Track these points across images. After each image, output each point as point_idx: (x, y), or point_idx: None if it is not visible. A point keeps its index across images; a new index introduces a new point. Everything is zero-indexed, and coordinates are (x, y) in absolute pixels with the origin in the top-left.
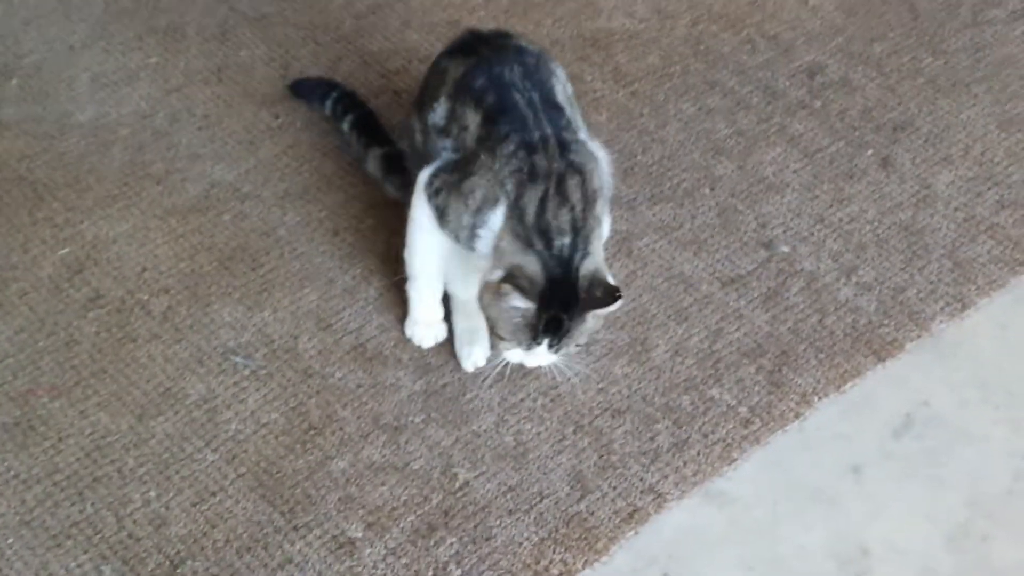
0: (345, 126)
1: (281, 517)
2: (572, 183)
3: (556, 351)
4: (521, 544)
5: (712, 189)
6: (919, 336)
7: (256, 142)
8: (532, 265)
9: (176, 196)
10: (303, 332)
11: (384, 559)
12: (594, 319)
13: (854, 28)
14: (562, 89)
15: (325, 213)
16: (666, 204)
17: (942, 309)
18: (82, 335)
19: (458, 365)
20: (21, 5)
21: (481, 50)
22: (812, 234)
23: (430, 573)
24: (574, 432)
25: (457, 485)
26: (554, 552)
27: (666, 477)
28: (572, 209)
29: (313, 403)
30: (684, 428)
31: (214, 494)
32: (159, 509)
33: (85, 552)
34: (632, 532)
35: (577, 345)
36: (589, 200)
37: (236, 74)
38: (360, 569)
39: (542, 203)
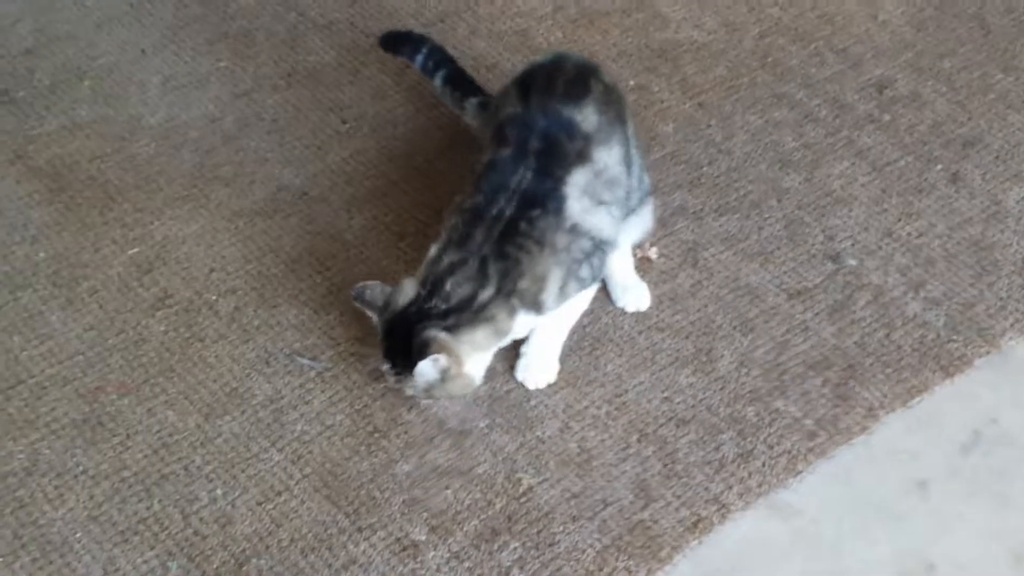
0: (438, 81)
1: (345, 518)
2: (505, 255)
3: (401, 384)
4: (584, 551)
5: (779, 201)
6: (988, 352)
7: (324, 147)
8: (405, 294)
9: (244, 199)
10: (369, 335)
11: (447, 562)
12: (422, 381)
13: (924, 43)
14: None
15: (391, 218)
16: (732, 215)
17: (1012, 325)
18: (150, 334)
19: None
20: (95, 8)
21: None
22: (880, 248)
23: None
24: (638, 440)
25: (521, 490)
26: (617, 560)
27: (730, 488)
28: (470, 289)
29: (378, 406)
30: (749, 439)
31: (279, 494)
32: (225, 507)
33: (152, 548)
34: (696, 542)
35: (432, 397)
36: (507, 286)
37: (304, 79)
38: (423, 572)
39: (452, 268)
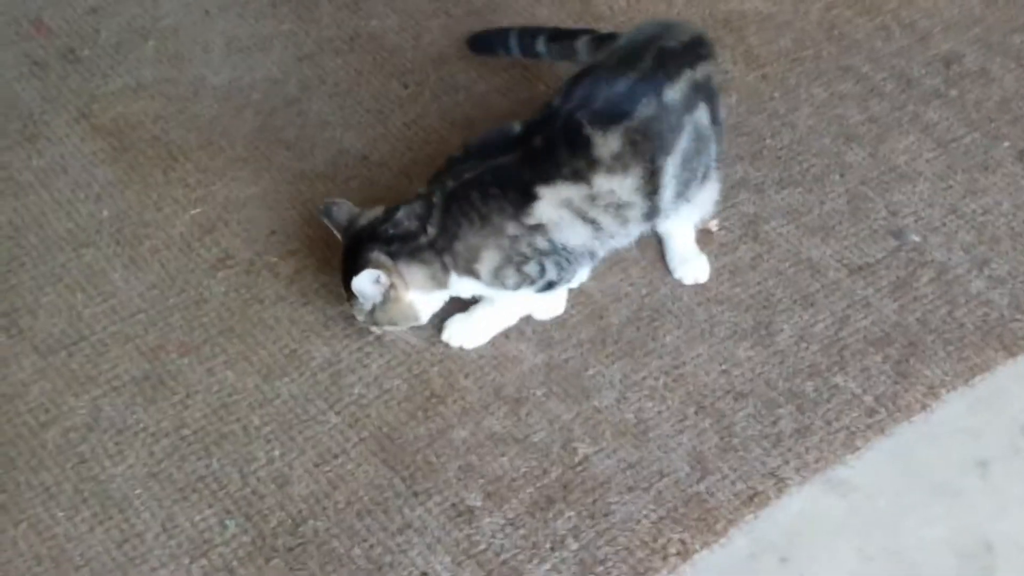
0: (541, 48)
1: (401, 482)
2: (448, 211)
3: (352, 308)
4: (639, 521)
5: (842, 175)
6: None
7: (385, 111)
8: (367, 216)
9: (305, 161)
10: None
11: (502, 529)
12: (363, 298)
13: (993, 18)
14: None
15: None
16: (795, 188)
17: None
18: (211, 294)
19: (580, 341)
20: None
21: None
22: (944, 224)
23: (548, 545)
24: (695, 413)
25: (577, 460)
26: (672, 531)
27: (787, 462)
28: (419, 224)
29: (435, 371)
30: (807, 414)
31: (336, 456)
32: (282, 468)
33: (210, 506)
34: (751, 515)
35: (377, 322)
36: (442, 242)
37: (367, 43)
38: (478, 538)
39: (420, 191)
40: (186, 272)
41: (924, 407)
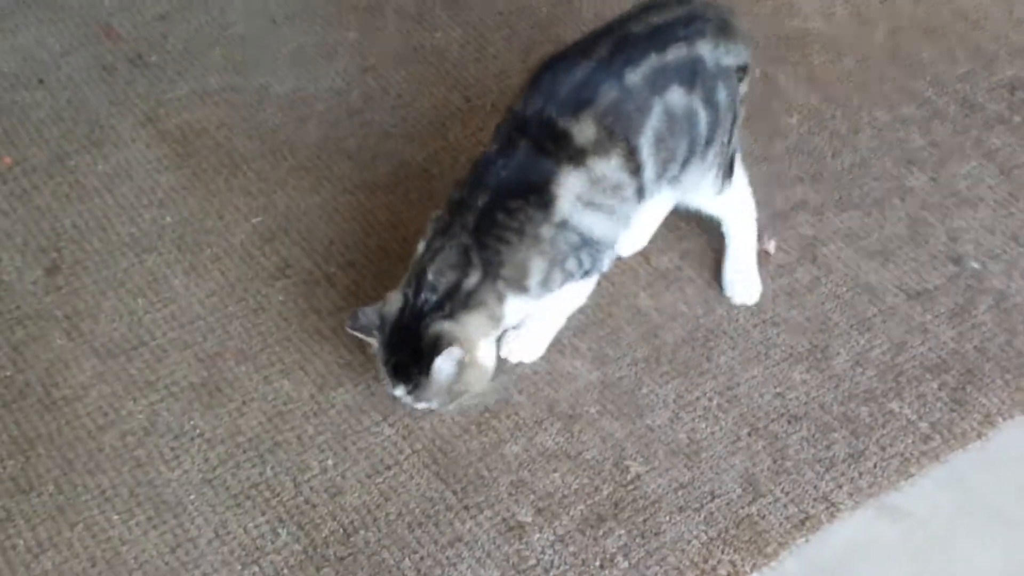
0: None
1: (453, 495)
2: (485, 245)
3: (416, 400)
4: (690, 542)
5: (903, 200)
6: None
7: (446, 123)
8: (394, 303)
9: (366, 172)
10: None
11: (552, 545)
12: (443, 378)
13: None
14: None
15: None
16: (854, 212)
17: None
18: (269, 303)
19: (635, 359)
20: None
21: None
22: (1004, 252)
23: (597, 563)
24: (749, 434)
25: (628, 478)
26: (723, 552)
27: (840, 487)
28: (460, 271)
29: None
30: (861, 439)
31: (389, 468)
32: (335, 478)
33: (263, 514)
34: (803, 539)
35: (451, 399)
36: (491, 273)
37: (430, 55)
38: (528, 553)
39: (434, 247)
40: (246, 280)
41: (980, 435)
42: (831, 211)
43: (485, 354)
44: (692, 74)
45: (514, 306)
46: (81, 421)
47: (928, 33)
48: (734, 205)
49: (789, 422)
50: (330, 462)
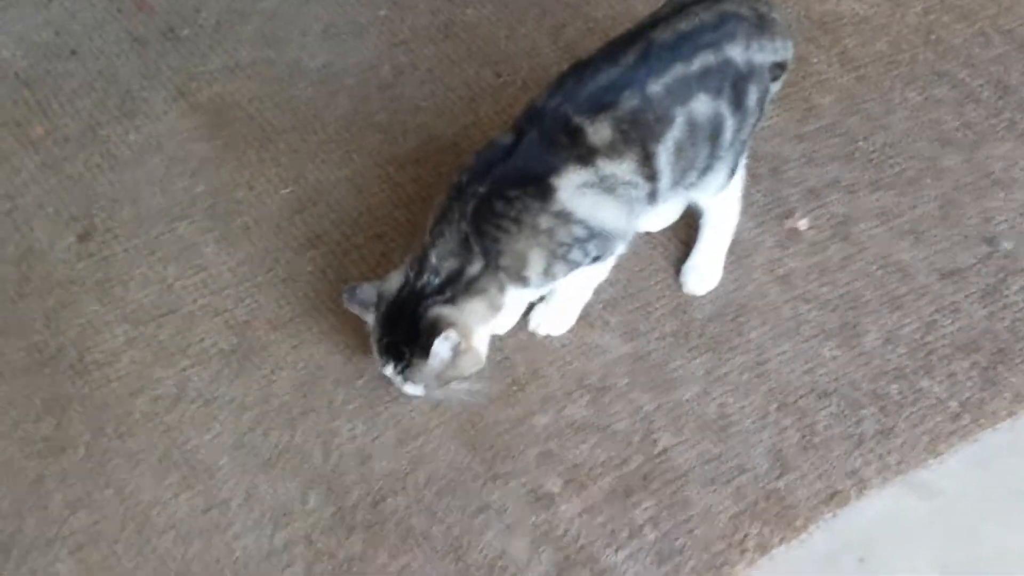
0: None
1: (481, 465)
2: (483, 233)
3: (405, 380)
4: (718, 515)
5: (935, 180)
6: None
7: (476, 99)
8: (394, 282)
9: (396, 146)
10: None
11: (580, 515)
12: (437, 362)
13: None
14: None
15: None
16: (887, 191)
17: None
18: (299, 273)
19: (665, 333)
20: None
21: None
22: None
23: (625, 534)
24: (778, 409)
25: (657, 451)
26: (750, 526)
27: (869, 464)
28: (462, 258)
29: (520, 358)
30: (891, 416)
31: (417, 436)
32: (365, 444)
33: (293, 478)
34: (831, 514)
35: (440, 384)
36: (491, 262)
37: (461, 31)
38: (556, 523)
39: (436, 232)
40: (276, 250)
41: (1010, 414)
42: (864, 190)
43: (481, 341)
44: (720, 79)
45: (515, 296)
46: (112, 386)
47: (961, 16)
48: (725, 201)
49: (819, 398)
50: (359, 429)
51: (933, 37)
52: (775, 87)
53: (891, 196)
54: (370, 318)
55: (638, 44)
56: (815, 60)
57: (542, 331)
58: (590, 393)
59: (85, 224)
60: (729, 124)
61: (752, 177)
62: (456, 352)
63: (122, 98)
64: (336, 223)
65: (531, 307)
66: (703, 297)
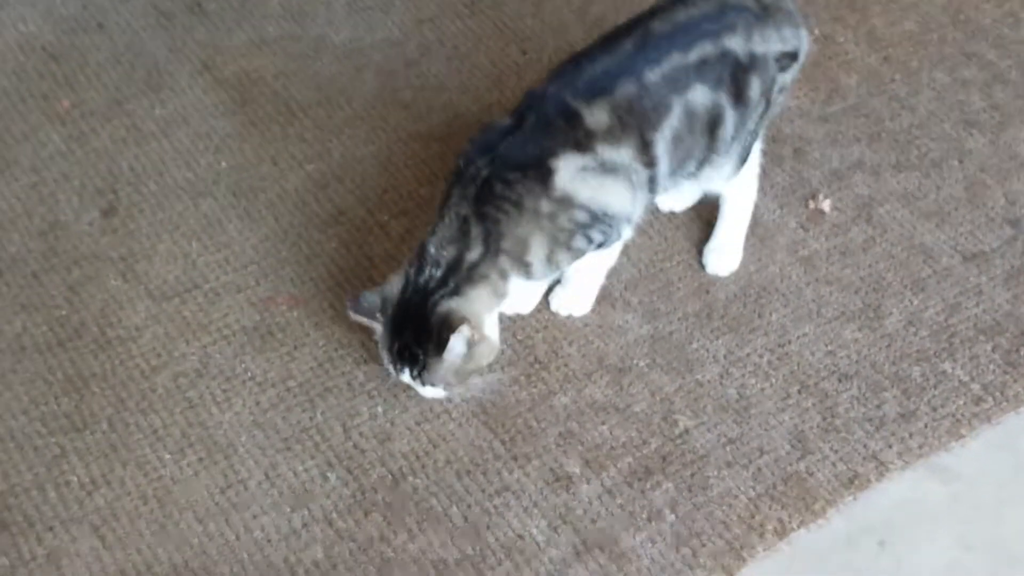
0: None
1: (501, 445)
2: (483, 215)
3: (424, 383)
4: (737, 497)
5: (961, 161)
6: None
7: (502, 77)
8: (396, 283)
9: (421, 123)
10: None
11: (599, 497)
12: (453, 357)
13: None
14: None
15: None
16: (912, 172)
17: None
18: (323, 249)
19: (686, 314)
20: None
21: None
22: None
23: (644, 515)
24: (799, 392)
25: (677, 432)
26: (770, 508)
27: (890, 446)
28: (461, 243)
29: (540, 337)
30: (912, 399)
31: (438, 416)
32: (384, 424)
33: (312, 458)
34: (851, 497)
35: (460, 380)
36: (492, 246)
37: (488, 9)
38: (575, 504)
39: (441, 219)
40: (299, 226)
41: None
42: (888, 171)
43: (492, 327)
44: (719, 71)
45: (518, 284)
46: (135, 361)
47: None
48: (740, 185)
49: (840, 380)
50: (379, 408)
51: (962, 17)
52: (786, 76)
53: (915, 178)
54: (377, 326)
55: (636, 34)
56: (841, 39)
57: (564, 311)
58: (610, 373)
59: (110, 198)
60: (729, 116)
61: (775, 158)
62: (471, 344)
63: (148, 72)
64: (360, 200)
65: (551, 289)
66: (725, 278)
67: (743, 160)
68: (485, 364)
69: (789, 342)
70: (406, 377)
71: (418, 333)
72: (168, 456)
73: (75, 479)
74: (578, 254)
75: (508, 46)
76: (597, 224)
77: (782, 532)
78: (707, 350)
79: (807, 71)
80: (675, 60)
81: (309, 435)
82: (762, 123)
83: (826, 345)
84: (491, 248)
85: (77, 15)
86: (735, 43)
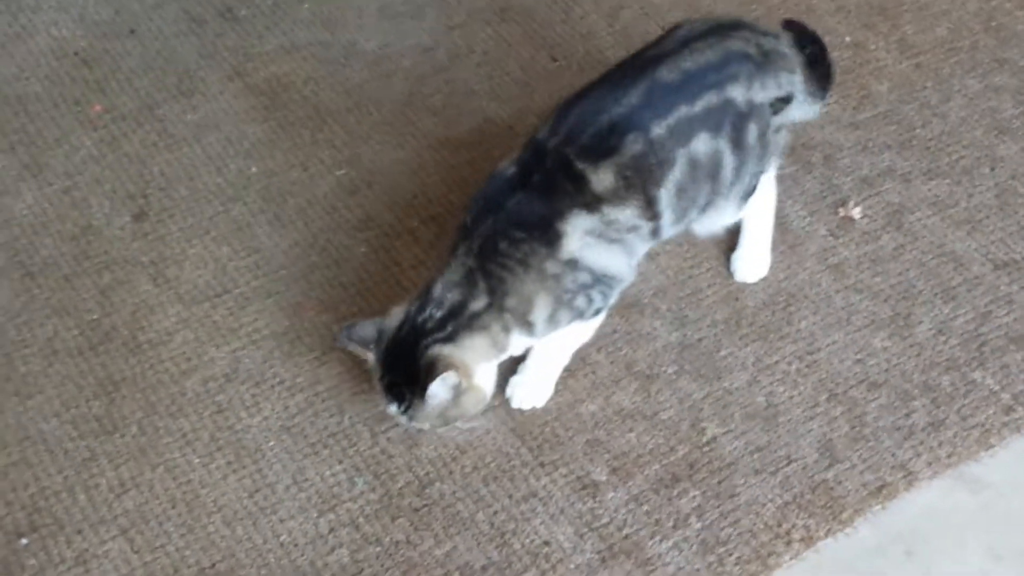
0: None
1: (528, 452)
2: (489, 272)
3: (410, 420)
4: (764, 505)
5: (992, 169)
6: None
7: (531, 83)
8: (395, 317)
9: (451, 129)
10: None
11: (626, 504)
12: (436, 403)
13: None
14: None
15: None
16: (942, 180)
17: None
18: (352, 255)
19: (715, 321)
20: None
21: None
22: None
23: (670, 523)
24: (827, 400)
25: (704, 439)
26: (797, 517)
27: (919, 455)
28: (466, 290)
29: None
30: (942, 408)
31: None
32: (412, 430)
33: (340, 462)
34: (879, 506)
35: (445, 423)
36: (496, 302)
37: (518, 15)
38: (601, 511)
39: (441, 265)
40: (329, 232)
41: None
42: (919, 179)
43: (483, 378)
44: (720, 118)
45: (519, 341)
46: (165, 365)
47: (1023, 2)
48: (752, 209)
49: (869, 389)
50: None
51: (994, 24)
52: (780, 118)
53: (946, 185)
54: (369, 356)
55: (642, 83)
56: (873, 47)
57: (526, 406)
58: (638, 380)
59: (141, 203)
60: (728, 162)
61: (805, 165)
62: (458, 392)
63: (179, 77)
64: (389, 205)
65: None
66: (754, 285)
67: (747, 198)
68: (473, 412)
69: (818, 350)
70: (393, 411)
71: (407, 372)
72: (197, 460)
73: (104, 482)
74: (578, 314)
75: (538, 53)
76: (597, 285)
77: (809, 540)
78: (736, 357)
79: (838, 78)
80: (682, 112)
81: (337, 440)
82: (763, 164)
83: (855, 353)
84: (495, 303)
85: (109, 20)
86: (737, 92)
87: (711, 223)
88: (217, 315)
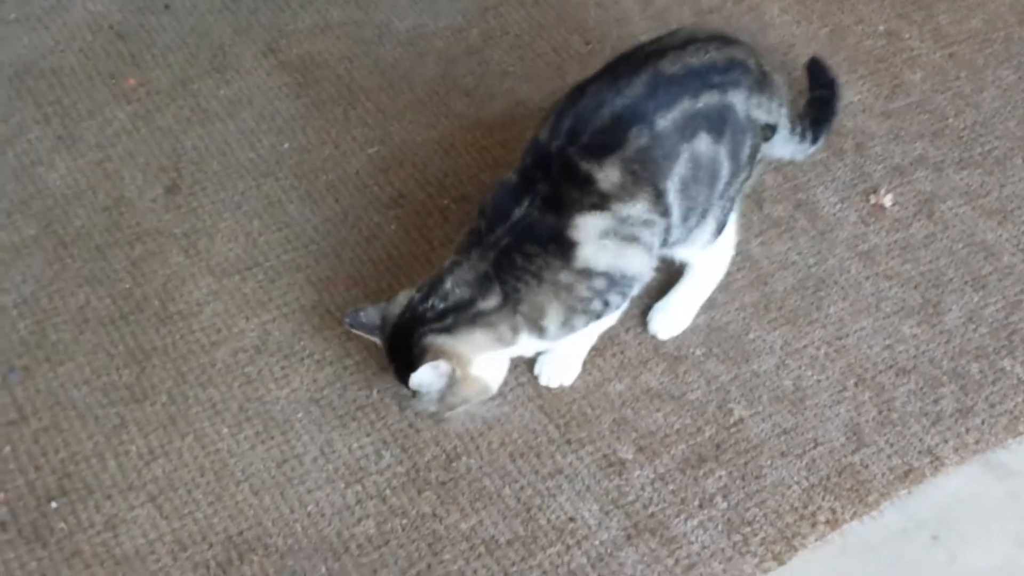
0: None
1: (556, 429)
2: (504, 281)
3: (418, 403)
4: (790, 487)
5: None
6: None
7: (564, 66)
8: (399, 303)
9: (482, 110)
10: None
11: (652, 483)
12: (425, 390)
13: None
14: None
15: None
16: (974, 170)
17: None
18: (382, 232)
19: (743, 304)
20: None
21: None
22: None
23: (696, 502)
24: (855, 384)
25: (731, 421)
26: (823, 499)
27: (946, 441)
28: (477, 290)
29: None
30: (970, 395)
31: (492, 398)
32: None
33: (368, 435)
34: (905, 491)
35: (447, 409)
36: (508, 305)
37: None
38: (628, 489)
39: (454, 261)
40: (359, 208)
41: None
42: (951, 168)
43: (484, 368)
44: (721, 123)
45: (528, 343)
46: (195, 336)
47: None
48: (712, 257)
49: (897, 375)
50: None
51: None
52: (764, 148)
53: (978, 175)
54: (377, 341)
55: (644, 74)
56: (907, 36)
57: (553, 384)
58: (666, 361)
59: (173, 176)
60: (725, 172)
61: (837, 152)
62: (452, 380)
63: (213, 53)
64: (421, 184)
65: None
66: (784, 270)
67: (720, 228)
68: (476, 400)
69: (847, 335)
70: (404, 393)
71: (404, 359)
72: (226, 430)
73: (134, 449)
74: (593, 317)
75: (571, 36)
76: (614, 288)
77: (834, 523)
78: (764, 341)
79: (871, 67)
80: (685, 106)
81: (365, 413)
82: (742, 188)
83: (884, 339)
84: (508, 305)
85: None
86: (738, 100)
87: (686, 247)
88: (247, 288)
